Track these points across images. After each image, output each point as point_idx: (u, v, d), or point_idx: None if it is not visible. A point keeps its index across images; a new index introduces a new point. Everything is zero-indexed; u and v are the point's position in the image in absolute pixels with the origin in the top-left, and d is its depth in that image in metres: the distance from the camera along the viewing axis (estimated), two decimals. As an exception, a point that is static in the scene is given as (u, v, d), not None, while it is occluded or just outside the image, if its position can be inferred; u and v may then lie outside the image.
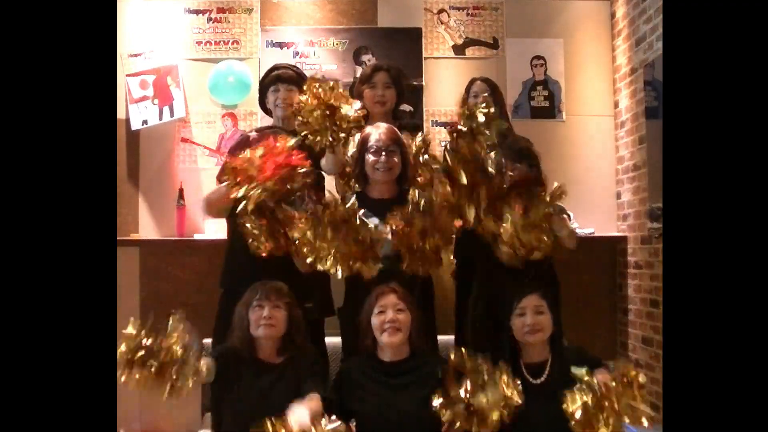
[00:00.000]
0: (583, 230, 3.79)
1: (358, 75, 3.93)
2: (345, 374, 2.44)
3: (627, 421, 2.09)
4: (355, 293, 2.58)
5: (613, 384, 2.11)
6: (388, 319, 2.36)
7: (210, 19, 4.00)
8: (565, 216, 2.55)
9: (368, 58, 3.94)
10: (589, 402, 2.09)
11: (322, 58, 3.98)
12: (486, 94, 3.04)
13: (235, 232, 2.69)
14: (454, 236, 2.63)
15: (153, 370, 2.17)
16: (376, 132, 2.71)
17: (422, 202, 2.43)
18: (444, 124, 3.95)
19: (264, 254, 2.53)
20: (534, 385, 2.32)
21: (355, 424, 2.41)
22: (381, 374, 2.38)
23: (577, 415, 2.09)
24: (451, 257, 2.52)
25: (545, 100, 4.01)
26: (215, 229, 3.70)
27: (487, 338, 2.52)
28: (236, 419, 2.36)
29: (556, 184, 2.45)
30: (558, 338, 2.42)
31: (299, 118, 2.71)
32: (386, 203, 2.73)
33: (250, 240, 2.54)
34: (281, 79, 3.02)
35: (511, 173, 2.48)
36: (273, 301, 2.41)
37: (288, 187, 2.52)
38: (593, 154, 4.01)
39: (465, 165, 2.38)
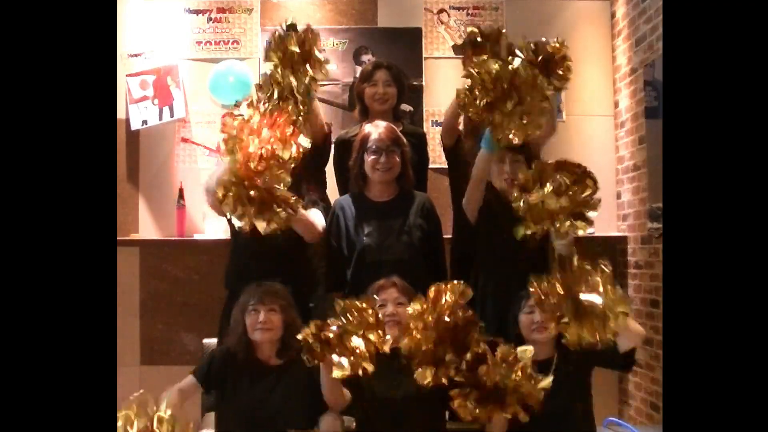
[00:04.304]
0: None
1: (358, 75, 3.93)
2: None
3: None
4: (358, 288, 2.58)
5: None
6: (388, 313, 2.34)
7: (210, 19, 4.00)
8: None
9: (368, 58, 3.94)
10: None
11: (322, 58, 3.98)
12: None
13: (239, 232, 2.69)
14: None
15: None
16: (376, 131, 2.69)
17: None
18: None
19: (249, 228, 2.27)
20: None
21: (361, 412, 2.42)
22: (383, 358, 2.37)
23: None
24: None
25: (545, 100, 4.00)
26: (215, 229, 3.71)
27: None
28: (238, 422, 2.36)
29: None
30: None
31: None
32: (385, 205, 2.72)
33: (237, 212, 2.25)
34: None
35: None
36: (268, 305, 2.39)
37: (280, 157, 2.25)
38: (593, 154, 3.99)
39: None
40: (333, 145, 3.12)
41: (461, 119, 3.08)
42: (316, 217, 2.68)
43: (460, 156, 3.03)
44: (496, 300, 2.61)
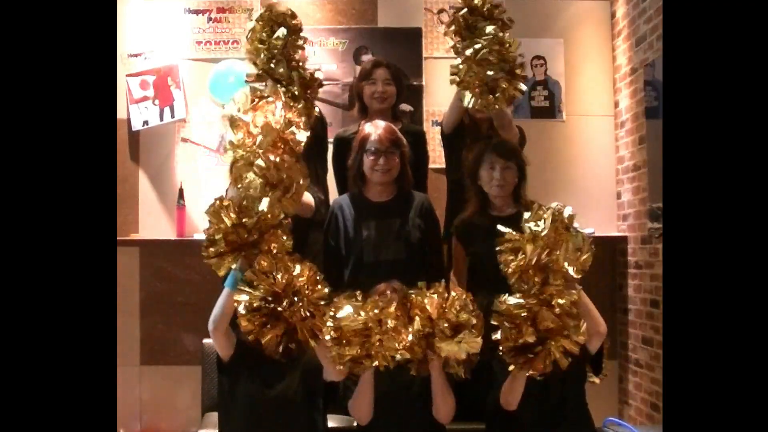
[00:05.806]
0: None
1: (357, 73, 3.93)
2: None
3: None
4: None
5: None
6: None
7: (210, 19, 4.00)
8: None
9: (368, 58, 3.93)
10: None
11: (322, 58, 3.98)
12: None
13: None
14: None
15: None
16: (375, 132, 2.69)
17: None
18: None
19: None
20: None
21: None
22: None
23: None
24: None
25: (545, 100, 4.00)
26: (215, 229, 3.70)
27: None
28: (242, 417, 2.36)
29: None
30: None
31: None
32: (384, 205, 2.72)
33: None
34: None
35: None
36: None
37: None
38: (593, 154, 4.01)
39: None
40: (332, 144, 3.17)
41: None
42: (307, 196, 2.69)
43: (458, 143, 3.04)
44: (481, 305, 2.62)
